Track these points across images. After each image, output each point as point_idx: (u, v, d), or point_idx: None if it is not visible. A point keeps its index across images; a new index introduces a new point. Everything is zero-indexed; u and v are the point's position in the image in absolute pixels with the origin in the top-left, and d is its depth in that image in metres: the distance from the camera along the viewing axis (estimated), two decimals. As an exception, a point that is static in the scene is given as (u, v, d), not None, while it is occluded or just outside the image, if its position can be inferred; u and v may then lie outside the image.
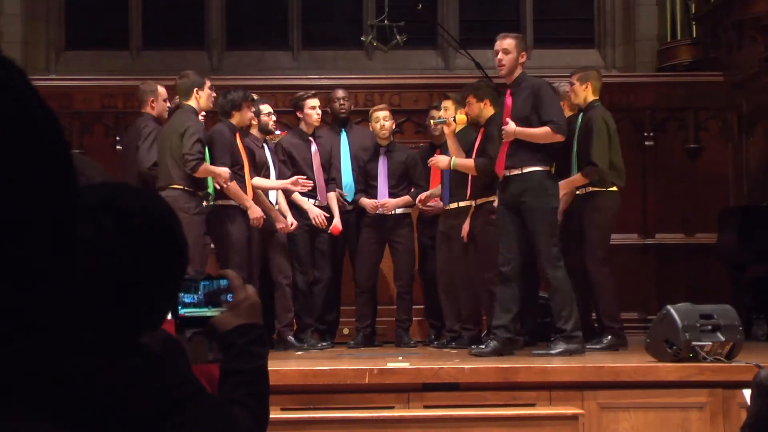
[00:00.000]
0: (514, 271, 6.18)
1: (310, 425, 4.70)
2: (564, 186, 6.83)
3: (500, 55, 6.28)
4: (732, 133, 9.08)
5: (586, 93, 6.94)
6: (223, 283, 1.81)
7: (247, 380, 1.73)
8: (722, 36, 9.11)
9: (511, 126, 6.15)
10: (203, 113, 7.08)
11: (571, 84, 7.01)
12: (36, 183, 0.77)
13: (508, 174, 6.21)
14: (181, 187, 6.38)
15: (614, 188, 6.82)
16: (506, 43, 6.30)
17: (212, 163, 6.63)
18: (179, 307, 1.79)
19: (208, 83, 6.79)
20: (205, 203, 6.70)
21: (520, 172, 6.16)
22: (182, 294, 1.78)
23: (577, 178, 6.81)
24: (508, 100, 6.30)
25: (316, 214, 7.26)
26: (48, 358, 0.82)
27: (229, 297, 1.80)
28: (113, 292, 1.40)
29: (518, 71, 6.31)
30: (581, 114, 6.96)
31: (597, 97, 6.97)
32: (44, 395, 0.83)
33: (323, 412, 4.90)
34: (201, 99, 6.73)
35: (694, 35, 9.48)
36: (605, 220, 6.80)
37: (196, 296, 1.79)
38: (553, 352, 5.99)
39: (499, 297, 6.21)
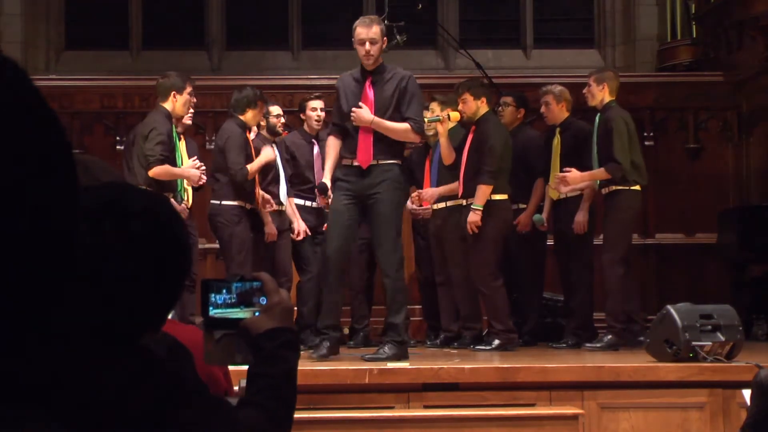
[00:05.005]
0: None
1: (310, 425, 4.69)
2: (586, 177, 6.86)
3: (368, 46, 5.91)
4: (732, 133, 9.08)
5: (603, 94, 6.94)
6: (256, 284, 1.80)
7: (273, 383, 1.72)
8: (722, 36, 9.11)
9: (366, 113, 5.85)
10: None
11: (588, 85, 7.01)
12: (37, 184, 0.77)
13: (368, 166, 5.89)
14: (145, 188, 6.35)
15: (637, 187, 6.83)
16: (373, 31, 5.95)
17: (228, 162, 6.60)
18: (210, 308, 1.78)
19: (188, 89, 6.59)
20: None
21: (377, 163, 5.90)
22: (213, 294, 1.78)
23: (599, 172, 6.82)
24: (369, 91, 5.96)
25: (300, 229, 7.17)
26: (49, 358, 0.82)
27: (262, 300, 1.79)
28: (114, 294, 1.40)
29: (380, 60, 6.04)
30: (598, 115, 6.98)
31: (614, 98, 6.96)
32: (45, 396, 0.83)
33: (323, 412, 4.90)
34: (177, 103, 6.55)
35: (694, 35, 9.48)
36: (626, 218, 6.82)
37: (229, 297, 1.79)
38: (383, 356, 5.73)
39: (327, 298, 5.99)
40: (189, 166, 6.65)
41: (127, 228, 1.42)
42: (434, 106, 7.26)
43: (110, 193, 1.47)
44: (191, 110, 7.01)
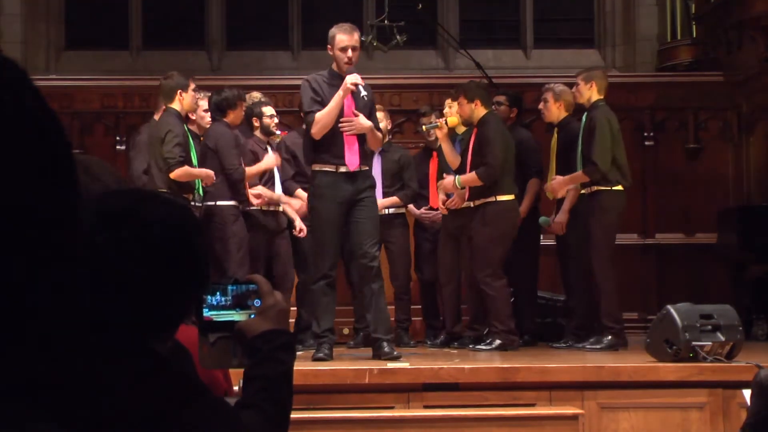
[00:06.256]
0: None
1: (310, 425, 4.69)
2: (567, 182, 6.86)
3: (350, 53, 6.02)
4: (732, 133, 9.08)
5: (590, 92, 6.93)
6: (251, 287, 1.80)
7: (269, 386, 1.72)
8: (722, 36, 9.11)
9: (366, 120, 5.92)
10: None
11: (576, 84, 7.01)
12: (37, 184, 0.77)
13: (356, 170, 5.95)
14: (165, 191, 6.36)
15: (619, 187, 6.81)
16: (355, 38, 6.07)
17: (224, 163, 6.62)
18: (205, 310, 1.78)
19: (192, 85, 6.70)
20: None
21: (362, 168, 5.99)
22: (209, 297, 1.78)
23: (578, 175, 6.83)
24: (349, 96, 5.99)
25: (303, 226, 7.13)
26: (49, 358, 0.82)
27: (257, 302, 1.79)
28: (128, 299, 1.41)
29: None
30: (585, 113, 6.98)
31: (602, 97, 6.95)
32: (45, 396, 0.83)
33: (323, 412, 4.90)
34: (184, 101, 6.64)
35: (694, 35, 9.47)
36: (610, 219, 6.80)
37: (224, 299, 1.78)
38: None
39: (324, 303, 5.99)
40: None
41: (143, 237, 1.43)
42: (452, 102, 7.30)
43: (131, 200, 1.48)
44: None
